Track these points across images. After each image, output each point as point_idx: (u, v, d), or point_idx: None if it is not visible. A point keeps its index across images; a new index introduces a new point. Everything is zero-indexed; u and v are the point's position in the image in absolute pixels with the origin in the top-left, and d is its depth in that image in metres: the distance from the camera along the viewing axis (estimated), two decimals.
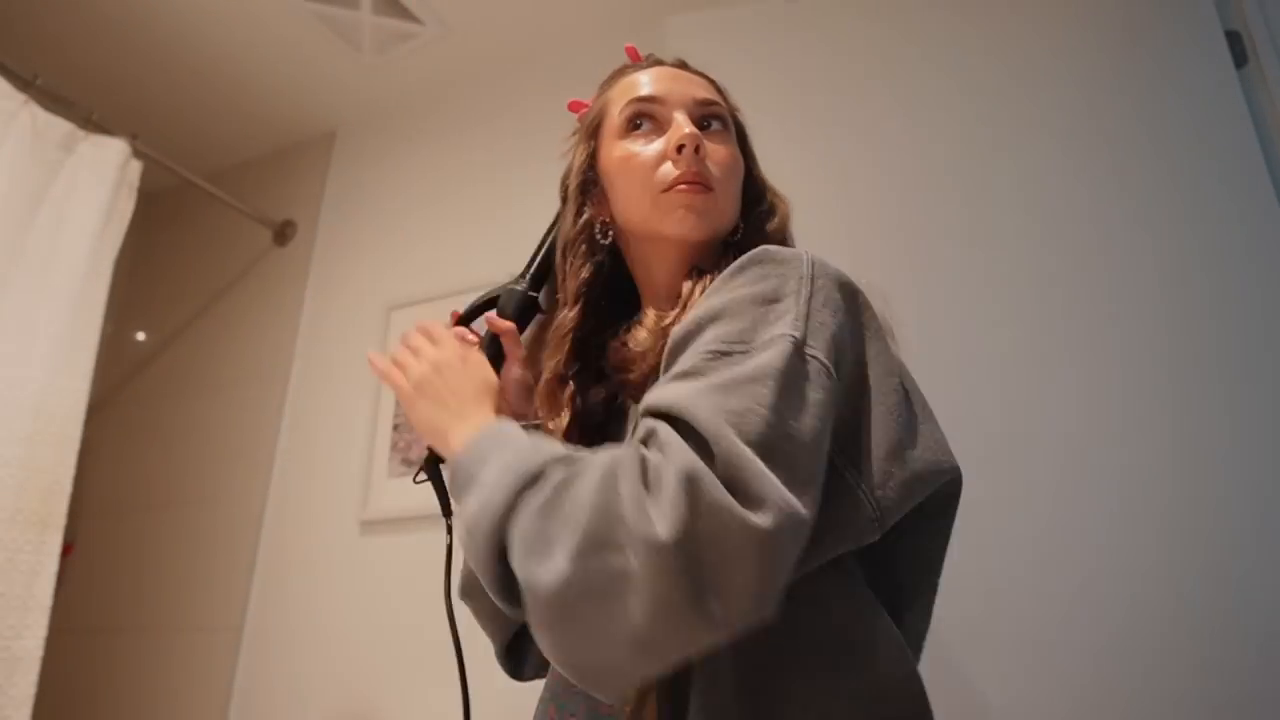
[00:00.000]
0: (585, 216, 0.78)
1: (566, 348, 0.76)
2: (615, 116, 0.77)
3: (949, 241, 1.23)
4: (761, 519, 0.44)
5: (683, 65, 0.81)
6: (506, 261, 1.78)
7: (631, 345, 0.69)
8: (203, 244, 2.31)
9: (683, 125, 0.72)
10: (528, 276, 0.87)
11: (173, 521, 1.99)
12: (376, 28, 1.87)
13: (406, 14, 1.83)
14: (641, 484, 0.47)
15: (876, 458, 0.57)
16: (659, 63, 0.81)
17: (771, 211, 0.77)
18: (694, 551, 0.44)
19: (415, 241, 1.97)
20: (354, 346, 1.93)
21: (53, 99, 1.66)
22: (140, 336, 2.31)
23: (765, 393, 0.50)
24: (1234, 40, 1.19)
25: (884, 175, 1.28)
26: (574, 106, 0.88)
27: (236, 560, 1.85)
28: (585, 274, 0.76)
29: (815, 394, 0.52)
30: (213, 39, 1.93)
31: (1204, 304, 1.08)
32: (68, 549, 1.51)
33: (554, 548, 0.48)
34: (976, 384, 1.12)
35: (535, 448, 0.56)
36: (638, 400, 0.64)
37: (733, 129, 0.78)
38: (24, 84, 1.61)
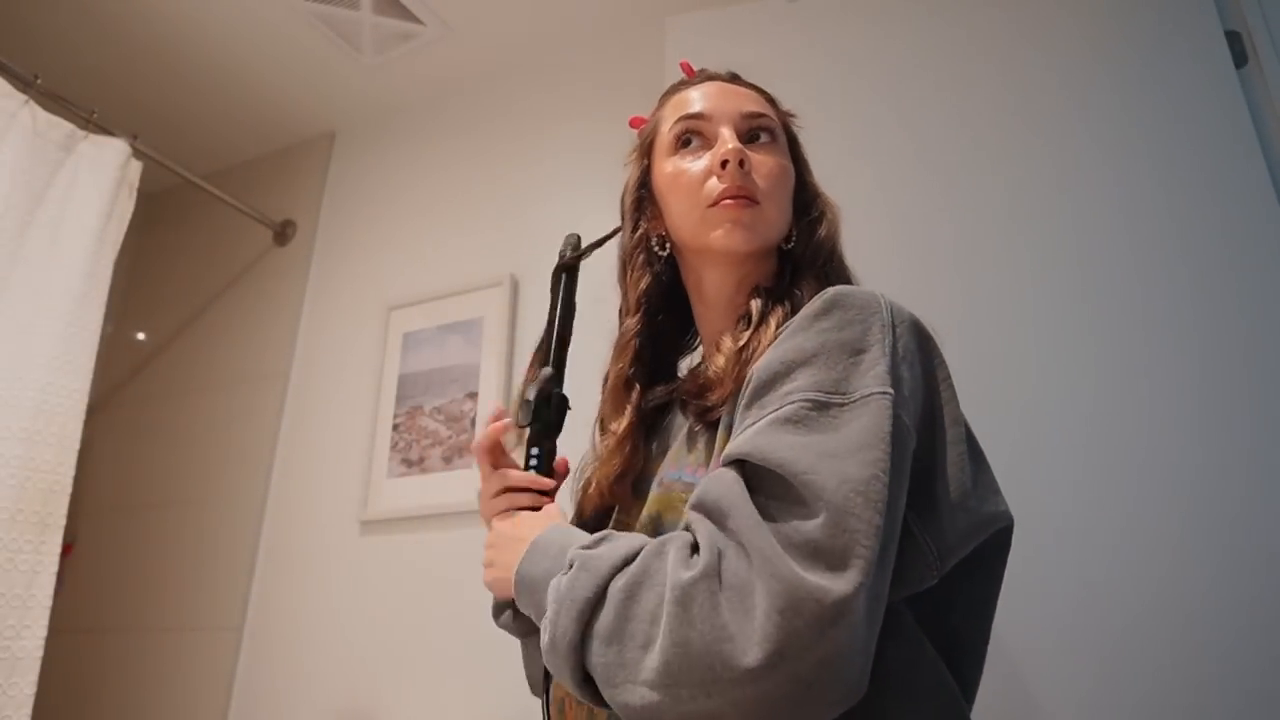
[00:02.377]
0: (640, 231, 0.82)
1: (630, 354, 0.81)
2: (666, 134, 0.80)
3: (945, 245, 1.23)
4: (843, 585, 0.46)
5: (734, 78, 0.83)
6: (506, 261, 1.79)
7: (711, 371, 0.71)
8: (203, 244, 2.31)
9: (727, 141, 0.74)
10: (552, 366, 0.80)
11: (173, 521, 1.99)
12: (376, 28, 1.87)
13: (407, 14, 1.83)
14: (719, 605, 0.48)
15: (943, 506, 0.58)
16: (711, 77, 0.83)
17: (821, 219, 0.79)
18: (789, 669, 0.45)
19: (415, 241, 1.97)
20: (354, 346, 1.93)
21: (53, 99, 1.66)
22: (140, 336, 2.31)
23: (883, 459, 0.51)
24: (1234, 40, 1.19)
25: (884, 175, 1.28)
26: (634, 123, 0.89)
27: (236, 560, 1.85)
28: (644, 284, 0.81)
29: (905, 460, 0.54)
30: (213, 39, 1.93)
31: (1204, 304, 1.08)
32: (68, 549, 1.51)
33: (638, 676, 0.50)
34: (974, 392, 1.12)
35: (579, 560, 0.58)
36: (700, 418, 0.69)
37: (783, 139, 0.80)
38: (24, 84, 1.61)
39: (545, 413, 0.76)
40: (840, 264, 0.78)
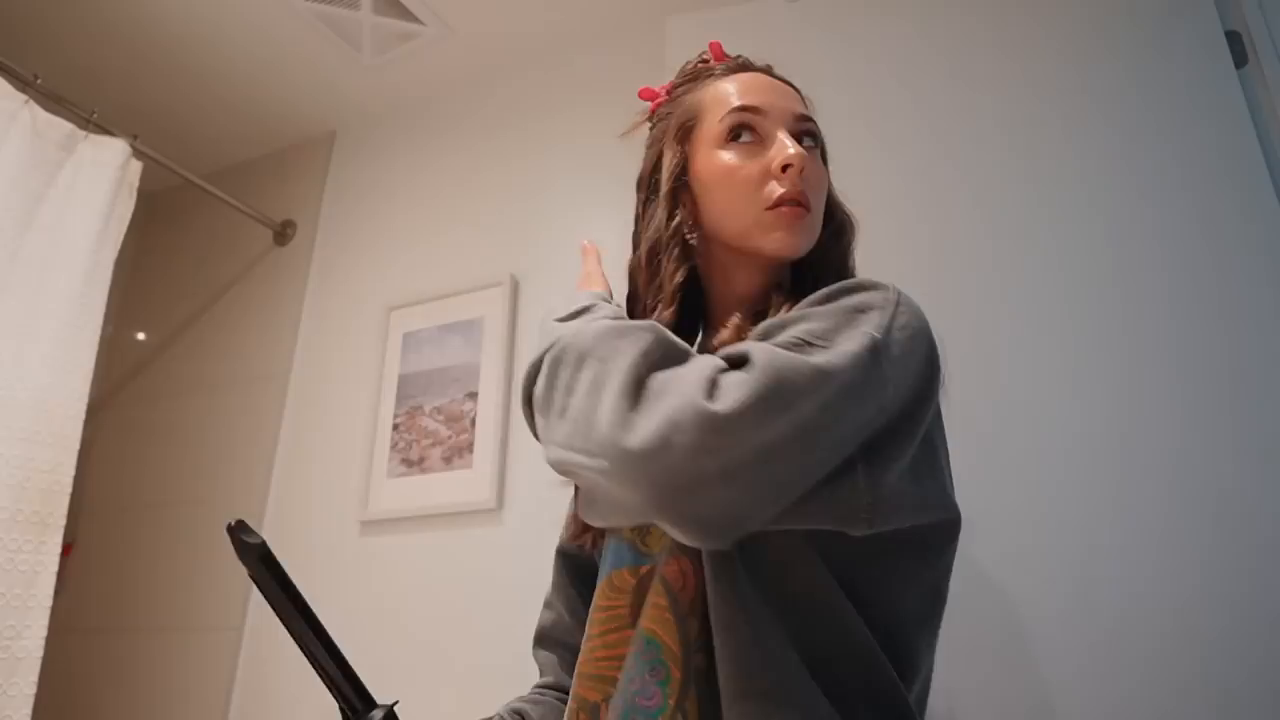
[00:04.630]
0: (677, 220, 0.77)
1: None
2: (713, 123, 0.76)
3: (948, 238, 1.23)
4: (722, 407, 0.51)
5: (769, 71, 0.81)
6: (506, 262, 1.79)
7: (715, 341, 0.72)
8: (203, 244, 2.31)
9: (787, 145, 0.72)
10: (354, 705, 0.68)
11: (173, 521, 1.99)
12: (376, 28, 1.87)
13: (407, 14, 1.83)
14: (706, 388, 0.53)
15: (895, 468, 0.58)
16: (744, 66, 0.80)
17: (842, 229, 0.79)
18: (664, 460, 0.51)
19: (415, 241, 1.97)
20: (354, 346, 1.93)
21: (53, 99, 1.66)
22: (140, 336, 2.31)
23: (846, 379, 0.55)
24: (1234, 40, 1.19)
25: (885, 174, 1.28)
26: (645, 94, 0.86)
27: (236, 561, 1.84)
28: (680, 277, 0.76)
29: (867, 398, 0.56)
30: (213, 39, 1.93)
31: (1204, 304, 1.08)
32: (68, 549, 1.51)
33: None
34: (970, 392, 1.12)
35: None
36: None
37: (821, 150, 0.79)
38: (24, 84, 1.61)
39: None
40: (851, 273, 0.79)
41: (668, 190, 0.78)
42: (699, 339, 0.82)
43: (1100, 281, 1.14)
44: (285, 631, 0.68)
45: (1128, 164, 1.18)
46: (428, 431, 1.71)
